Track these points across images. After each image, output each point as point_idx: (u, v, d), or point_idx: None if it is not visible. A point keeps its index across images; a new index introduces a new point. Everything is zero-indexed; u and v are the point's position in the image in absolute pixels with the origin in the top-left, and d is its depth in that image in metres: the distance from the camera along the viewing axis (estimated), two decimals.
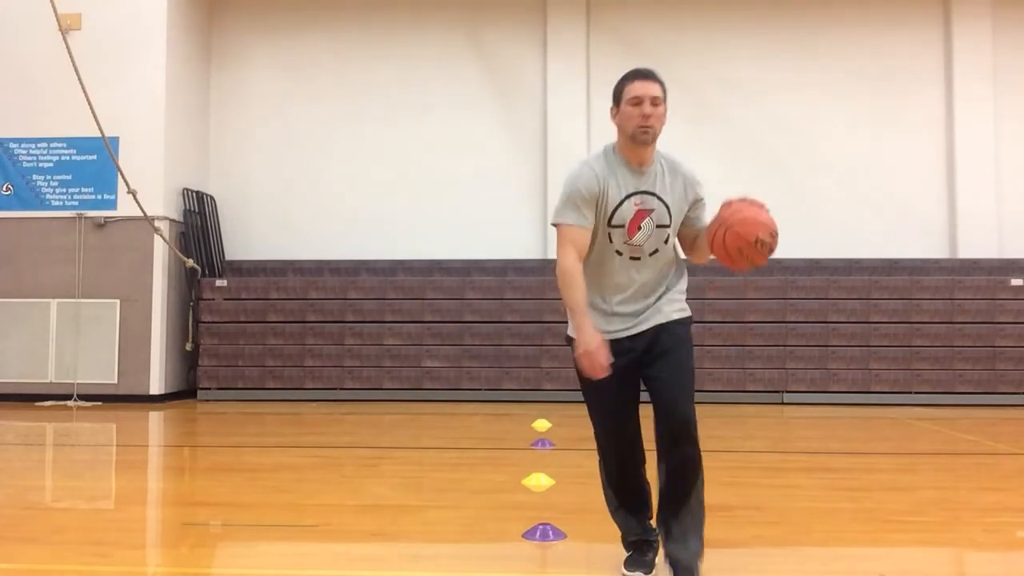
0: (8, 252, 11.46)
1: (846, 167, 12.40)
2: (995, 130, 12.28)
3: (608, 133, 12.13)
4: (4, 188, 11.54)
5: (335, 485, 5.89)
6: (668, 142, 12.75)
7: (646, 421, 3.63)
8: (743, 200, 3.40)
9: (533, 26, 12.74)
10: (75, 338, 11.28)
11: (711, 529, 4.49)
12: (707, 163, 12.30)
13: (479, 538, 4.46)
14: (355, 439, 8.34)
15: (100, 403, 10.98)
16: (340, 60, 12.90)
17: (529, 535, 4.24)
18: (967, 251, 12.09)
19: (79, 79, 9.79)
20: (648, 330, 3.57)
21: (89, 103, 9.90)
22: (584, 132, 12.50)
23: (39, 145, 11.55)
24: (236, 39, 12.99)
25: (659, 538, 3.63)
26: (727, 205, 3.39)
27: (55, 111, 11.31)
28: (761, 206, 3.35)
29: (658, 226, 3.51)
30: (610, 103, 3.59)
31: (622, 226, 3.48)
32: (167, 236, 11.39)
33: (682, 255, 3.77)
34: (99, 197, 11.47)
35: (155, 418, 10.05)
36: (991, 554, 4.23)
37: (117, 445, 8.37)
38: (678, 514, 3.46)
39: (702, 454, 3.49)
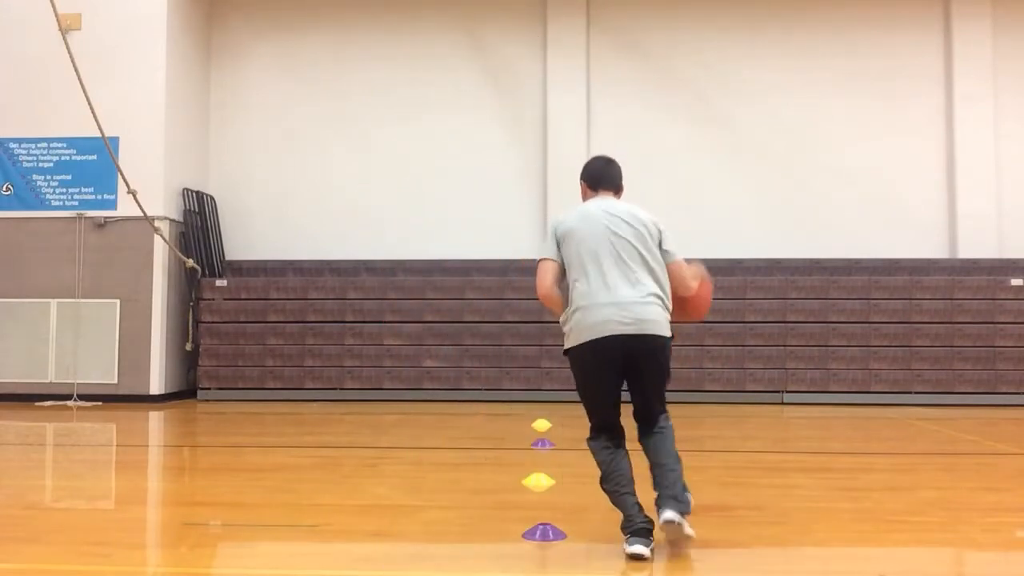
0: (8, 252, 11.46)
1: (846, 167, 12.40)
2: (995, 130, 12.28)
3: (606, 133, 12.16)
4: (4, 188, 11.54)
5: (335, 485, 5.89)
6: (669, 143, 12.82)
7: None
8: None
9: (533, 26, 12.74)
10: (75, 338, 11.28)
11: (711, 529, 4.49)
12: (707, 163, 12.47)
13: (479, 538, 4.46)
14: (355, 439, 8.34)
15: (100, 403, 10.98)
16: (340, 60, 12.91)
17: (529, 535, 4.23)
18: (967, 251, 12.09)
19: (79, 79, 9.79)
20: None
21: (89, 103, 9.91)
22: (584, 132, 12.50)
23: (39, 145, 11.55)
24: (236, 39, 12.99)
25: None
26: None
27: (55, 111, 11.31)
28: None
29: None
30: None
31: None
32: (167, 236, 11.39)
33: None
34: (99, 197, 11.47)
35: (155, 418, 10.05)
36: (991, 554, 4.23)
37: (117, 445, 8.37)
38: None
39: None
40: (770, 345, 11.32)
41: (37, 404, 10.91)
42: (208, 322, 11.71)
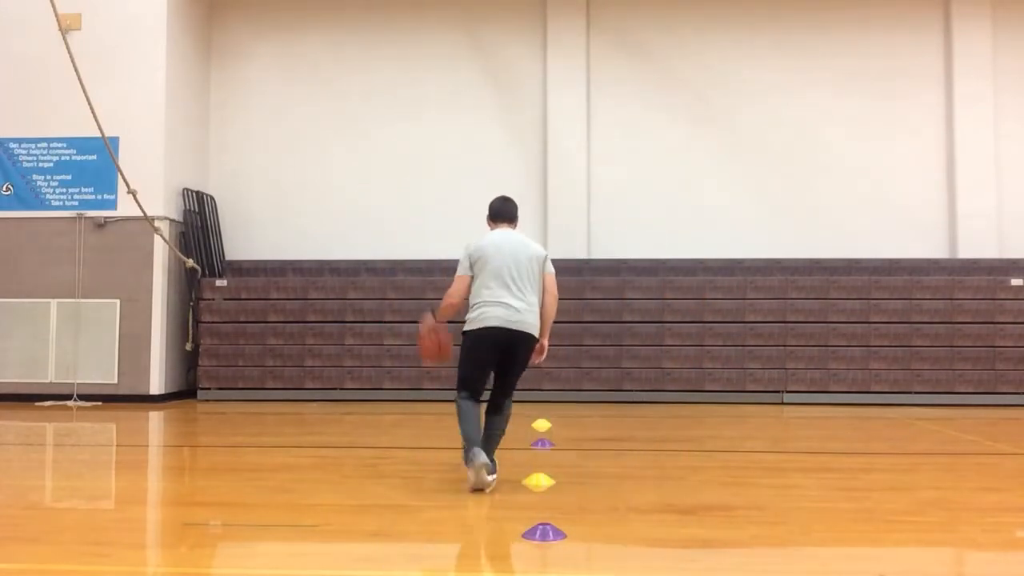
0: (8, 252, 11.46)
1: (846, 167, 12.41)
2: (995, 130, 12.28)
3: (606, 133, 12.17)
4: (4, 188, 11.54)
5: (335, 485, 5.88)
6: (669, 142, 12.81)
7: None
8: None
9: (533, 26, 12.74)
10: (75, 338, 11.28)
11: (711, 529, 4.50)
12: (707, 163, 12.47)
13: (479, 538, 4.46)
14: (355, 439, 8.34)
15: (100, 403, 10.98)
16: (340, 60, 12.91)
17: (529, 535, 4.23)
18: (967, 251, 12.10)
19: (79, 79, 9.79)
20: None
21: (89, 103, 9.91)
22: (584, 132, 12.50)
23: (39, 145, 11.55)
24: (236, 39, 12.99)
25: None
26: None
27: (55, 111, 11.31)
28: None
29: None
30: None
31: None
32: (167, 236, 11.39)
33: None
34: (99, 197, 11.47)
35: (155, 418, 10.05)
36: (991, 554, 4.23)
37: (117, 445, 8.37)
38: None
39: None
40: (770, 345, 11.32)
41: (37, 404, 10.91)
42: (208, 322, 11.71)
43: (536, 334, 5.55)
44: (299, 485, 5.81)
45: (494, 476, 5.44)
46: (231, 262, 12.55)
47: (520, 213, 5.99)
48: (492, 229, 5.82)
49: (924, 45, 12.52)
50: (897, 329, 11.26)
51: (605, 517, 4.70)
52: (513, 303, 5.46)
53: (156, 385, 11.28)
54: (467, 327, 5.56)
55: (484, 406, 5.71)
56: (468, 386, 5.60)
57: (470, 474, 5.32)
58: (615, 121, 12.58)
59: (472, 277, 5.62)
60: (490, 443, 5.55)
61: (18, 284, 11.40)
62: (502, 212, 5.83)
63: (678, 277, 11.69)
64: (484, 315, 5.48)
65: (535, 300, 5.58)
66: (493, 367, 5.61)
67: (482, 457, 5.27)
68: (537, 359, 5.73)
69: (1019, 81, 12.40)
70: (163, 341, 11.38)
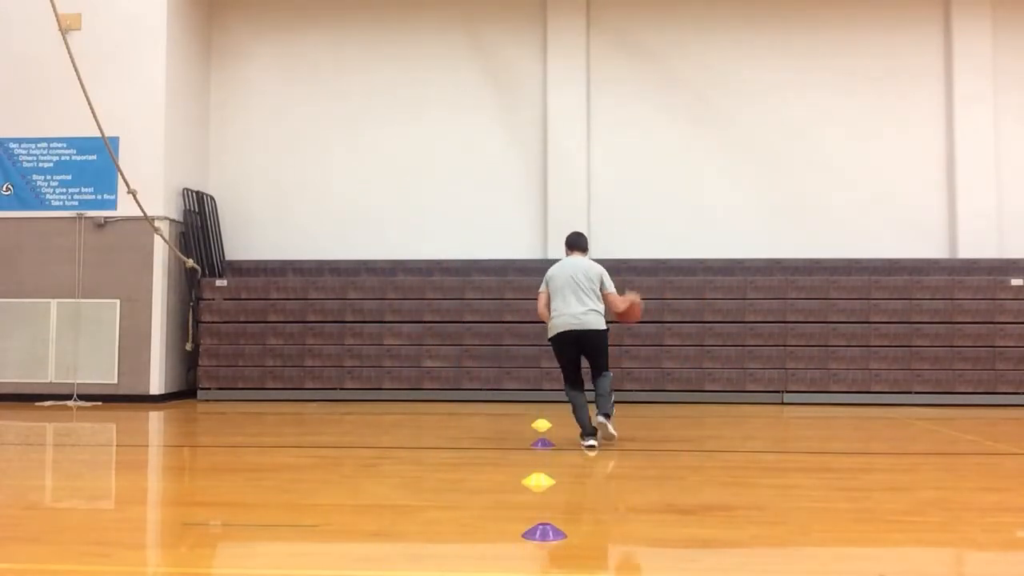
0: (8, 252, 11.46)
1: (846, 167, 12.41)
2: (995, 129, 12.29)
3: (606, 133, 12.17)
4: (4, 188, 11.55)
5: (335, 485, 5.89)
6: (669, 143, 12.82)
7: None
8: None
9: (533, 26, 12.74)
10: (75, 338, 11.28)
11: (711, 529, 4.50)
12: (707, 163, 12.48)
13: (479, 538, 4.46)
14: (355, 439, 8.34)
15: (100, 403, 10.99)
16: (340, 60, 12.91)
17: (529, 535, 4.23)
18: (967, 251, 12.10)
19: (79, 79, 9.79)
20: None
21: (89, 103, 9.91)
22: (584, 132, 12.50)
23: (39, 145, 11.55)
24: (236, 39, 12.99)
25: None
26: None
27: (55, 111, 11.32)
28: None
29: None
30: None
31: None
32: (167, 236, 11.39)
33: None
34: (99, 197, 11.47)
35: (155, 418, 10.05)
36: (991, 554, 4.23)
37: (117, 445, 8.36)
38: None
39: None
40: (770, 345, 11.32)
41: (37, 404, 10.91)
42: (208, 322, 11.71)
43: (597, 328, 7.22)
44: (299, 485, 5.81)
45: (606, 437, 7.15)
46: (231, 262, 12.55)
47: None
48: (568, 255, 7.61)
49: (924, 45, 12.53)
50: (897, 329, 11.26)
51: (605, 517, 4.70)
52: (574, 310, 7.25)
53: (156, 385, 11.29)
54: (548, 334, 7.42)
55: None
56: (565, 377, 7.44)
57: (585, 443, 7.21)
58: (615, 121, 12.59)
59: (548, 293, 7.45)
60: (600, 402, 7.22)
61: (18, 284, 11.40)
62: (575, 243, 7.67)
63: (678, 277, 11.69)
64: (554, 324, 7.34)
65: (595, 305, 7.28)
66: (574, 358, 7.35)
67: (589, 441, 7.18)
68: (624, 307, 7.37)
69: (1019, 81, 12.40)
70: (163, 341, 11.39)
